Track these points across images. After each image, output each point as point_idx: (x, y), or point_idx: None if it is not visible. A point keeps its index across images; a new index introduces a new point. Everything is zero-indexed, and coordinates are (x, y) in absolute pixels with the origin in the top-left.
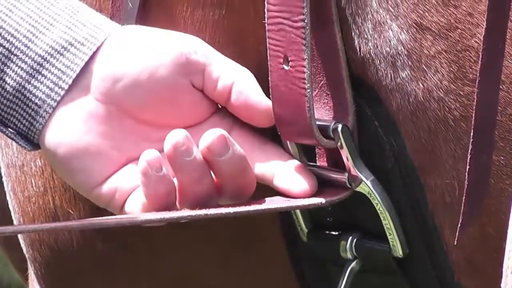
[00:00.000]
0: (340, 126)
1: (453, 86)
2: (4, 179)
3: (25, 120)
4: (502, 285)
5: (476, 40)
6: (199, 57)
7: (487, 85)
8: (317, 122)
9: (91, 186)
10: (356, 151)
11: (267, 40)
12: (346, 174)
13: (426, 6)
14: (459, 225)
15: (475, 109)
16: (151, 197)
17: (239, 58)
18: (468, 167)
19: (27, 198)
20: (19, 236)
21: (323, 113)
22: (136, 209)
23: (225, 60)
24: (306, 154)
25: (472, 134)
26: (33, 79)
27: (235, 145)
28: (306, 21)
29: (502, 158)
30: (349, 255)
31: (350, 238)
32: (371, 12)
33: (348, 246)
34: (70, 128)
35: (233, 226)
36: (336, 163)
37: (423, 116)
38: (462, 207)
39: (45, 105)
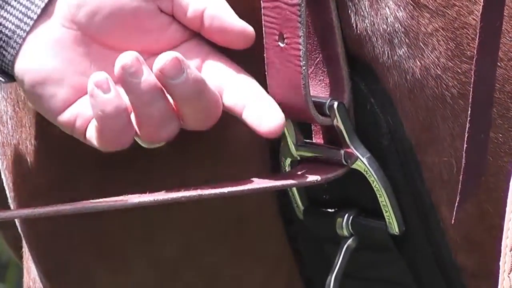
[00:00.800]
0: (336, 103)
1: (450, 63)
2: None
3: None
4: (501, 263)
5: (474, 17)
6: None
7: (484, 63)
8: (313, 99)
9: (55, 112)
10: (352, 128)
11: (262, 17)
12: (342, 151)
13: None
14: (456, 203)
15: (472, 86)
16: (99, 118)
17: None
18: (465, 145)
19: (22, 177)
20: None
21: (319, 90)
22: (92, 134)
23: None
24: (302, 131)
25: (469, 112)
26: (2, 11)
27: (190, 68)
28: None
29: (501, 135)
30: (345, 232)
31: (347, 215)
32: None
33: (345, 223)
34: (36, 55)
35: (229, 204)
36: (332, 140)
37: (421, 93)
38: (460, 185)
39: (15, 35)
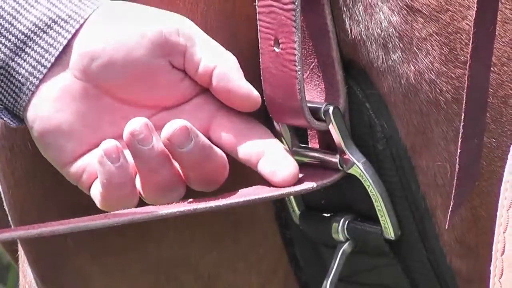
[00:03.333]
0: (331, 108)
1: (444, 68)
2: None
3: (10, 96)
4: (492, 268)
5: (467, 22)
6: (180, 38)
7: (478, 68)
8: (308, 104)
9: (62, 163)
10: (347, 133)
11: (258, 22)
12: (338, 156)
13: None
14: (450, 207)
15: (466, 91)
16: (104, 185)
17: (230, 41)
18: (459, 149)
19: (17, 181)
20: (9, 216)
21: (314, 95)
22: (96, 194)
23: (209, 42)
24: (298, 136)
25: (463, 116)
26: (17, 57)
27: (198, 136)
28: (296, 3)
29: (494, 140)
30: (341, 237)
31: (342, 220)
32: None
33: (340, 228)
34: (47, 104)
35: (225, 209)
36: (328, 145)
37: (415, 98)
38: (454, 190)
39: (28, 82)
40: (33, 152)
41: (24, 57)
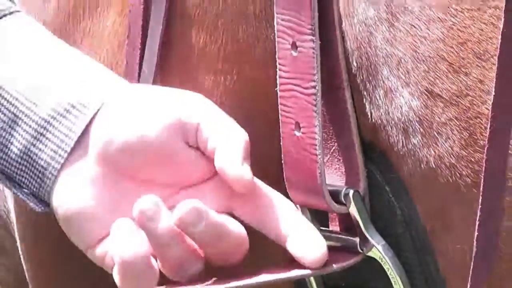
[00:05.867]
0: (351, 192)
1: (464, 152)
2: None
3: (34, 181)
4: None
5: (487, 106)
6: (192, 119)
7: (495, 152)
8: (329, 188)
9: (86, 246)
10: (367, 216)
11: (279, 106)
12: (358, 239)
13: (437, 73)
14: None
15: (483, 176)
16: (118, 263)
17: (248, 123)
18: (476, 233)
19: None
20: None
21: (334, 179)
22: (116, 275)
23: (218, 121)
24: (318, 218)
25: (480, 200)
26: (38, 142)
27: (209, 215)
28: (317, 88)
29: None
30: None
31: None
32: (382, 79)
33: None
34: (68, 191)
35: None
36: (348, 228)
37: (435, 182)
38: (471, 273)
39: (50, 167)
40: None
41: (45, 143)
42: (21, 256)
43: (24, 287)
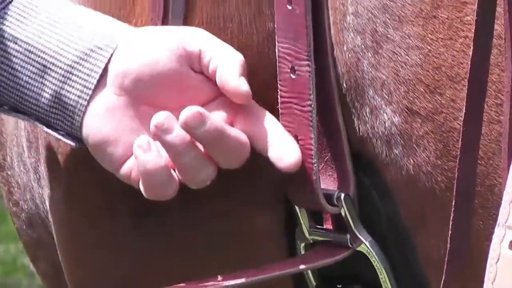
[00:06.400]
0: (343, 195)
1: (439, 161)
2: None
3: (66, 121)
4: None
5: (459, 122)
6: (194, 46)
7: (466, 161)
8: (323, 191)
9: (114, 168)
10: (356, 216)
11: (280, 122)
12: (348, 236)
13: (416, 93)
14: (442, 281)
15: (456, 182)
16: (142, 175)
17: None
18: (450, 231)
19: (57, 175)
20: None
21: (328, 184)
22: (141, 186)
23: (217, 45)
24: (314, 218)
25: (453, 203)
26: (66, 85)
27: (210, 119)
28: (312, 106)
29: (481, 223)
30: None
31: None
32: (368, 98)
33: None
34: (95, 120)
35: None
36: (340, 226)
37: (414, 187)
38: (445, 267)
39: (78, 105)
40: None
41: (72, 84)
42: (58, 250)
43: (60, 275)
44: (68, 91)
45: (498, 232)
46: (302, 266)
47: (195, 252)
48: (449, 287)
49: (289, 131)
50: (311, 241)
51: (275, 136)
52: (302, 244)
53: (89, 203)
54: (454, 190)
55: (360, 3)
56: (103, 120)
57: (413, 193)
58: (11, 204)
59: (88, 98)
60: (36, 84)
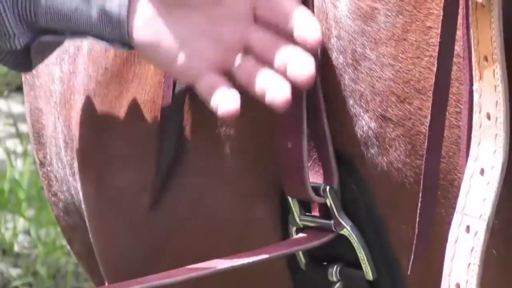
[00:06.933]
0: (328, 187)
1: (408, 160)
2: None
3: (116, 31)
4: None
5: (424, 127)
6: None
7: (431, 160)
8: (312, 185)
9: (163, 65)
10: (339, 205)
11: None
12: (332, 221)
13: (388, 103)
14: (411, 260)
15: (422, 177)
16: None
17: (260, 140)
18: (418, 218)
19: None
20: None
21: (316, 178)
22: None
23: None
24: (305, 207)
25: (420, 194)
26: (107, 2)
27: None
28: (302, 113)
29: (443, 211)
30: (335, 279)
31: (336, 266)
32: (349, 107)
33: (334, 272)
34: (136, 31)
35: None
36: (326, 213)
37: (387, 181)
38: (414, 247)
39: (121, 17)
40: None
41: (112, 0)
42: (89, 234)
43: (92, 254)
44: (109, 7)
45: (456, 218)
46: (294, 248)
47: (206, 237)
48: (416, 264)
49: (282, 134)
50: (301, 226)
51: (296, 17)
52: (294, 229)
53: (114, 194)
54: (421, 183)
55: (342, 28)
56: (144, 27)
57: (386, 186)
58: (50, 195)
59: (127, 8)
60: (85, 8)
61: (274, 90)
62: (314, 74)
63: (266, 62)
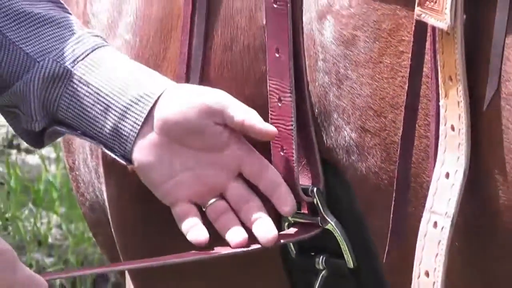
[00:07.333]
0: (315, 189)
1: (383, 165)
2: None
3: (122, 147)
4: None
5: (397, 137)
6: (218, 106)
7: (403, 165)
8: (301, 186)
9: (153, 188)
10: (325, 204)
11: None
12: (319, 218)
13: (367, 116)
14: (386, 252)
15: (396, 180)
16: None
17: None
18: (392, 216)
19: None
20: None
21: (305, 181)
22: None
23: (238, 104)
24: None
25: (394, 195)
26: (122, 121)
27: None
28: (293, 126)
29: (414, 209)
30: (321, 267)
31: (321, 256)
32: (333, 120)
33: (320, 261)
34: (140, 151)
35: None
36: (313, 211)
37: (366, 183)
38: (388, 242)
39: (130, 136)
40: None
41: (126, 121)
42: (112, 228)
43: (114, 246)
44: (123, 126)
45: (425, 215)
46: (286, 239)
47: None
48: (391, 255)
49: (276, 143)
50: (292, 222)
51: (273, 185)
52: (286, 224)
53: (133, 196)
54: (395, 185)
55: (328, 52)
56: (146, 150)
57: (365, 188)
58: (78, 195)
59: (137, 132)
60: (101, 119)
61: (234, 234)
62: (275, 239)
63: (236, 212)
